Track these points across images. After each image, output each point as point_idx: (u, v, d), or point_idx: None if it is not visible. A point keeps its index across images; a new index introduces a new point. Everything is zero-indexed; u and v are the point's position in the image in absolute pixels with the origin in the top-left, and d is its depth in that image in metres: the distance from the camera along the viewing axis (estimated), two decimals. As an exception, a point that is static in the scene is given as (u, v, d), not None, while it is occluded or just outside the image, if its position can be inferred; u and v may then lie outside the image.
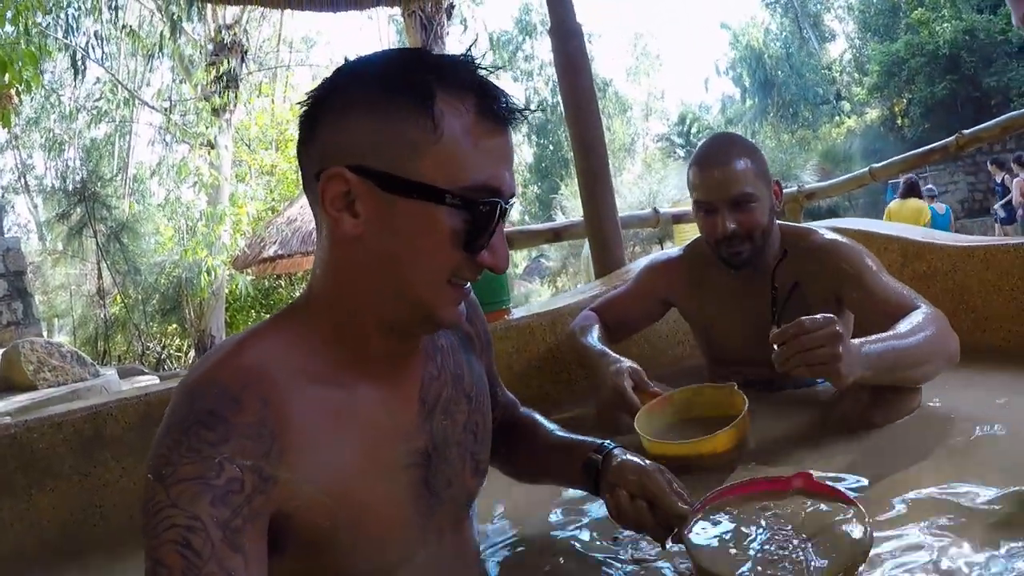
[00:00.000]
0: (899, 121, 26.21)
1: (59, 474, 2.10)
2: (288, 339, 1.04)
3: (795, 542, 1.09)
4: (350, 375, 1.06)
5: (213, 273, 11.20)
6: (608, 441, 1.35)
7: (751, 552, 1.09)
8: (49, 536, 2.06)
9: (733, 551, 1.11)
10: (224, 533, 0.87)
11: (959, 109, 22.28)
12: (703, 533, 1.17)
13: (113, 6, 12.85)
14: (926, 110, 23.79)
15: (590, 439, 1.38)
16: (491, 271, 1.05)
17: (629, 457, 1.29)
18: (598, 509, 1.54)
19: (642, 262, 2.71)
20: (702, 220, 2.07)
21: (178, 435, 0.91)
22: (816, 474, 1.24)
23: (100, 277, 13.46)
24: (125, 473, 2.19)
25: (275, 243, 11.86)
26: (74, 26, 12.80)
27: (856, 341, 1.54)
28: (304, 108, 1.05)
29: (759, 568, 1.05)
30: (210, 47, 12.24)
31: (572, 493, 1.66)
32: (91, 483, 2.14)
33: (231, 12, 12.07)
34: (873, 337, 1.59)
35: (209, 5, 11.24)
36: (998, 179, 14.14)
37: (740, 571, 1.06)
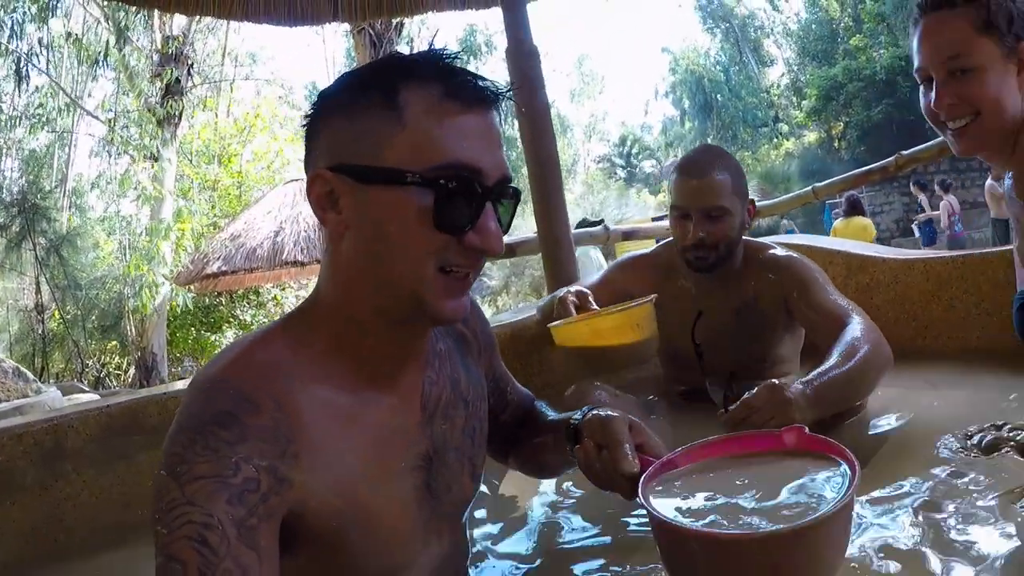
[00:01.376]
0: (836, 144, 26.91)
1: (21, 486, 2.08)
2: (297, 342, 1.06)
3: (755, 503, 1.05)
4: (356, 379, 1.07)
5: (155, 289, 11.02)
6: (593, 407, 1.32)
7: (706, 507, 1.06)
8: (12, 549, 2.04)
9: (690, 505, 1.08)
10: (239, 531, 0.88)
11: (895, 132, 22.95)
12: (663, 488, 1.13)
13: (57, 13, 12.64)
14: (863, 133, 24.48)
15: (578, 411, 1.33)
16: (483, 254, 1.04)
17: (602, 411, 1.26)
18: (583, 509, 1.60)
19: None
20: (675, 223, 2.19)
21: (193, 433, 0.92)
22: None
23: (38, 292, 13.13)
24: (86, 486, 2.18)
25: (219, 259, 11.66)
26: (18, 32, 12.52)
27: (801, 387, 1.61)
28: (303, 128, 1.10)
29: (710, 521, 1.03)
30: (155, 58, 12.09)
31: (557, 496, 1.72)
32: (52, 496, 2.12)
33: (178, 23, 11.94)
34: (815, 374, 1.69)
35: (156, 14, 11.12)
36: (920, 200, 14.73)
37: (685, 520, 1.03)
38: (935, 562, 1.16)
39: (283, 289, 14.83)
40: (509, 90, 1.07)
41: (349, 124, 1.02)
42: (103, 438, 2.25)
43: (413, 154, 0.98)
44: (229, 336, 14.22)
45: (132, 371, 13.00)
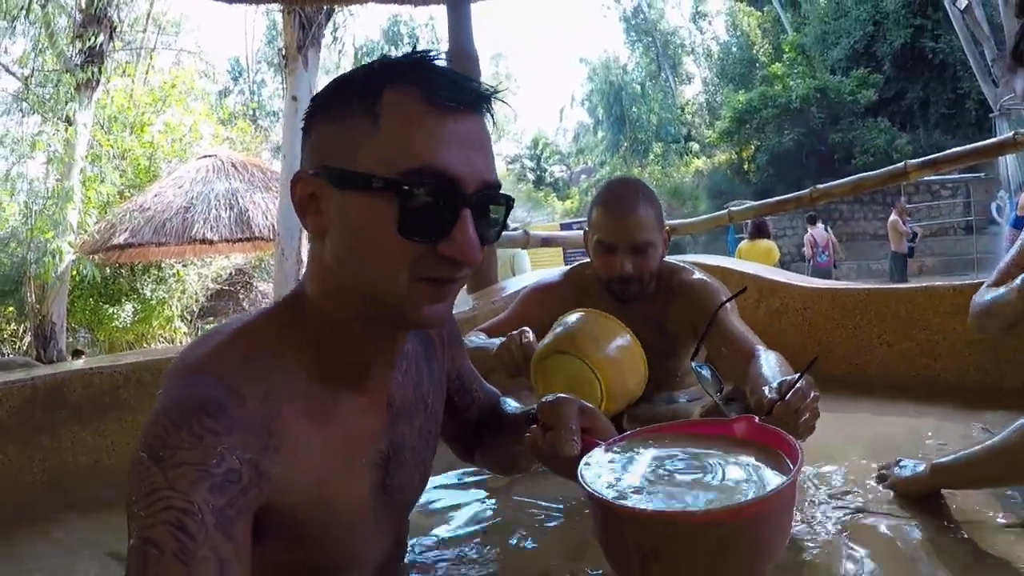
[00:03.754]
0: (746, 166, 27.51)
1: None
2: (280, 336, 1.06)
3: (692, 482, 1.04)
4: (333, 376, 1.08)
5: (59, 256, 10.63)
6: None
7: (639, 483, 1.05)
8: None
9: (623, 481, 1.07)
10: (218, 520, 0.87)
11: (804, 160, 23.68)
12: (602, 464, 1.13)
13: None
14: (772, 158, 25.13)
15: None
16: (459, 264, 1.00)
17: (553, 396, 1.23)
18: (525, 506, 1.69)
19: (519, 284, 2.83)
20: (600, 258, 2.23)
21: (178, 418, 0.91)
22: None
23: (-68, 249, 12.54)
24: (8, 459, 2.17)
25: (126, 230, 11.34)
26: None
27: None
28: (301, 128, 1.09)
29: (640, 495, 1.02)
30: (78, 18, 11.65)
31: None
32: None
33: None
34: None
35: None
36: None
37: (615, 496, 1.02)
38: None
39: (185, 266, 14.49)
40: (495, 92, 1.04)
41: (333, 127, 1.01)
42: (26, 409, 2.24)
43: (385, 159, 0.96)
44: (128, 310, 13.81)
45: (28, 338, 12.51)
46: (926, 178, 18.43)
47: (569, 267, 2.55)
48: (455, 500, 1.91)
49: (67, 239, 10.79)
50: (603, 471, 1.10)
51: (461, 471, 2.07)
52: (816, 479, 1.73)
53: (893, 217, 14.66)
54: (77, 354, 11.26)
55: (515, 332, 2.03)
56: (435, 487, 1.96)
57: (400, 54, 1.06)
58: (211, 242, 11.41)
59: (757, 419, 1.17)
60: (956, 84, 23.17)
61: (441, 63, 1.03)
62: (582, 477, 1.06)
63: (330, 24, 10.15)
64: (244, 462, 0.92)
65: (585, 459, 1.13)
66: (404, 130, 0.97)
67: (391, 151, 0.96)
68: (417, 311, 1.02)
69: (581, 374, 1.89)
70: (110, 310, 13.71)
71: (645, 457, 1.14)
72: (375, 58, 1.09)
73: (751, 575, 0.99)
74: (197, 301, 15.12)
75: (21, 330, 13.64)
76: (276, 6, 11.03)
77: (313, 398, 1.05)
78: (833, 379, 2.58)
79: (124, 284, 14.27)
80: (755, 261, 9.37)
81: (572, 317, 2.02)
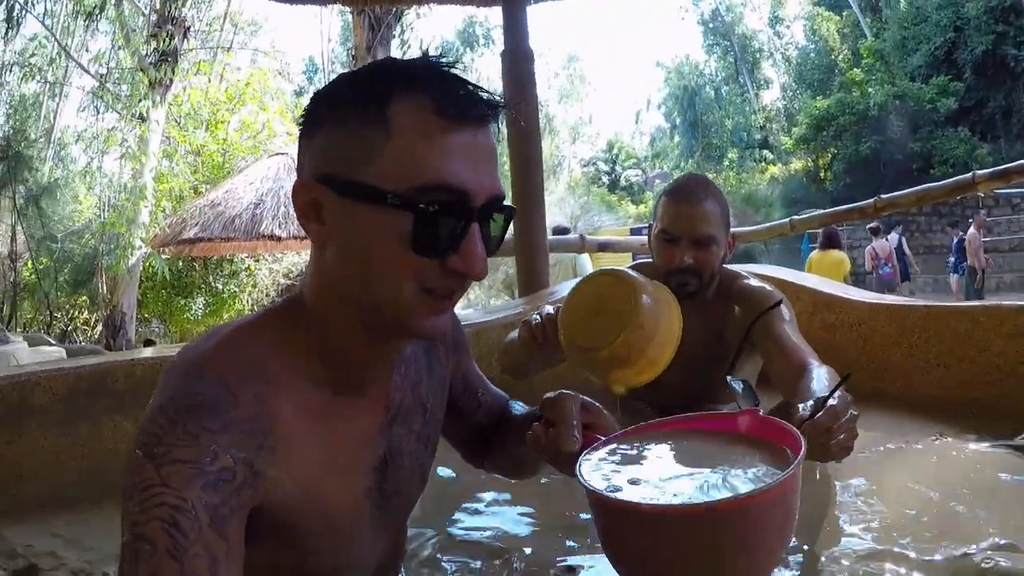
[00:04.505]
0: (822, 174, 27.09)
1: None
2: (279, 338, 1.05)
3: (691, 478, 1.04)
4: (332, 379, 1.07)
5: (131, 250, 10.92)
6: None
7: (637, 478, 1.06)
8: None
9: (621, 475, 1.07)
10: (211, 518, 0.87)
11: (881, 169, 23.19)
12: (602, 459, 1.13)
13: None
14: (849, 166, 24.69)
15: None
16: (466, 277, 1.00)
17: (555, 392, 1.23)
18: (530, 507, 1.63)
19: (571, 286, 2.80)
20: (661, 248, 2.20)
21: (173, 416, 0.91)
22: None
23: (14, 240, 12.96)
24: (50, 444, 2.21)
25: (196, 225, 11.57)
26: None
27: None
28: (298, 126, 1.07)
29: (636, 488, 1.02)
30: (153, 17, 11.95)
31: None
32: (14, 451, 2.14)
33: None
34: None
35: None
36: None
37: (610, 490, 1.03)
38: None
39: (257, 260, 14.75)
40: (505, 105, 1.02)
41: (338, 132, 0.99)
42: (69, 398, 2.27)
43: (396, 172, 0.94)
44: (200, 303, 14.11)
45: (100, 328, 12.89)
46: (1006, 191, 17.94)
47: (632, 264, 2.50)
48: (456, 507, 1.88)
49: (138, 233, 11.05)
50: (602, 466, 1.11)
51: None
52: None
53: (971, 231, 14.23)
54: (148, 343, 11.53)
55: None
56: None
57: (410, 57, 1.04)
58: (279, 238, 11.54)
59: (761, 411, 1.15)
60: (1039, 92, 22.45)
61: (453, 70, 1.00)
62: (580, 472, 1.07)
63: (399, 25, 10.23)
64: (238, 461, 0.92)
65: (585, 454, 1.13)
66: (416, 141, 0.95)
67: (403, 165, 0.95)
68: (419, 323, 1.02)
69: (612, 289, 1.87)
70: (182, 302, 14.03)
71: (646, 452, 1.14)
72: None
73: (747, 572, 0.98)
74: (268, 295, 15.37)
75: (93, 319, 14.05)
76: (348, 8, 11.19)
77: (310, 400, 1.04)
78: (888, 396, 2.51)
79: (197, 277, 14.59)
80: (825, 272, 9.20)
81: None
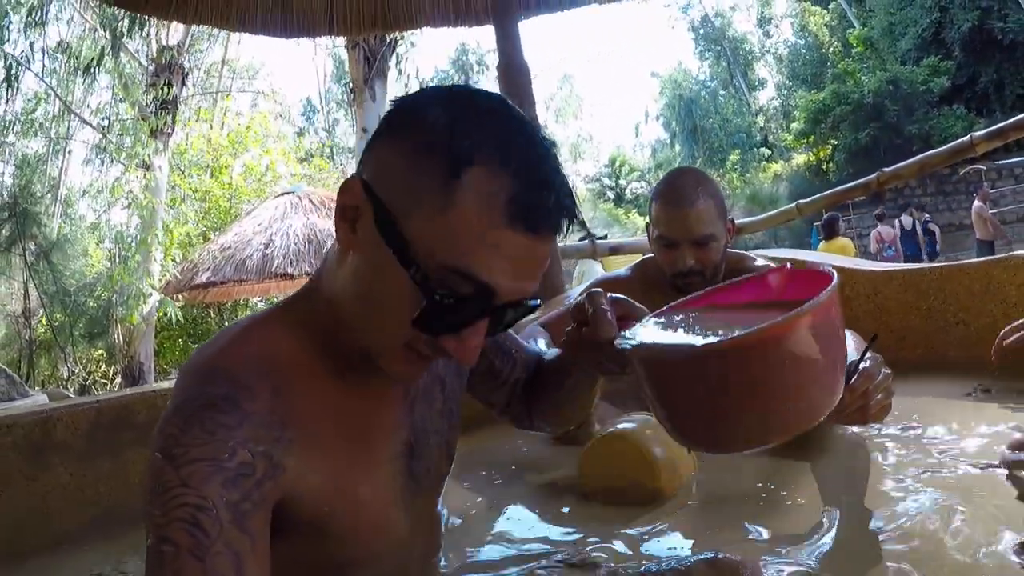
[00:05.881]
0: (824, 166, 27.07)
1: (7, 478, 2.09)
2: (293, 330, 1.06)
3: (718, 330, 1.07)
4: (347, 367, 1.07)
5: (143, 299, 10.98)
6: None
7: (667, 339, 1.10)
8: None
9: (655, 340, 1.11)
10: (233, 515, 0.87)
11: (882, 155, 23.12)
12: (637, 333, 1.15)
13: (48, 17, 12.54)
14: (850, 156, 24.68)
15: None
16: (452, 359, 1.00)
17: (583, 294, 1.21)
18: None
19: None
20: (662, 252, 2.18)
21: (189, 416, 0.91)
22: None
23: (27, 297, 13.06)
24: (72, 478, 2.21)
25: (208, 270, 11.64)
26: (7, 36, 12.40)
27: None
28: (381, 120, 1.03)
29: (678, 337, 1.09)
30: (151, 67, 12.07)
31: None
32: (39, 487, 2.14)
33: (174, 34, 11.96)
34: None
35: (153, 22, 11.13)
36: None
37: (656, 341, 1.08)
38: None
39: (271, 302, 14.80)
40: (575, 218, 0.98)
41: (403, 158, 0.94)
42: (91, 432, 2.28)
43: (436, 241, 0.90)
44: (218, 348, 14.15)
45: (118, 380, 12.94)
46: (1008, 161, 17.86)
47: (638, 261, 2.51)
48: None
49: (150, 281, 11.11)
50: (640, 335, 1.13)
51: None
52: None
53: (977, 204, 14.21)
54: (169, 393, 11.54)
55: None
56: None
57: (508, 114, 0.97)
58: (291, 276, 11.59)
59: (789, 265, 1.18)
60: (1030, 62, 22.43)
61: (550, 155, 0.96)
62: (618, 343, 1.10)
63: (394, 56, 10.31)
64: (257, 455, 0.92)
65: (623, 333, 1.14)
66: (471, 226, 0.90)
67: (446, 239, 0.90)
68: (393, 369, 1.02)
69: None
70: (198, 349, 14.07)
71: (680, 323, 1.17)
72: (469, 88, 1.00)
73: (766, 419, 0.98)
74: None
75: (112, 372, 14.12)
76: (341, 42, 11.28)
77: (327, 390, 1.05)
78: (909, 362, 2.46)
79: (212, 323, 14.68)
80: (832, 258, 9.22)
81: None
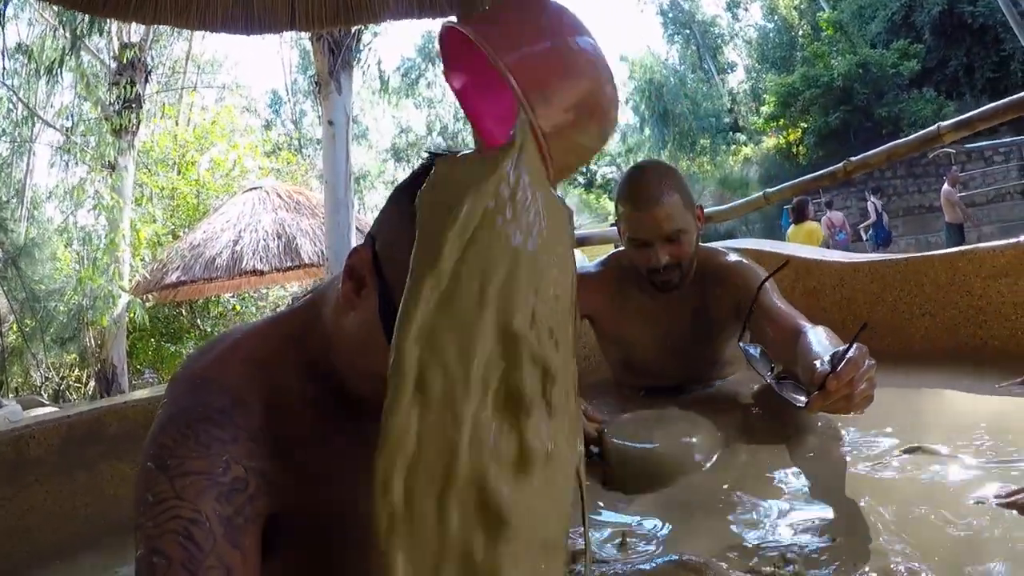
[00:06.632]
0: (795, 149, 27.21)
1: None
2: (288, 344, 1.05)
3: None
4: (341, 379, 1.06)
5: (113, 301, 10.85)
6: None
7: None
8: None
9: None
10: (226, 529, 0.87)
11: (852, 138, 23.33)
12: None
13: (3, 21, 12.35)
14: (820, 139, 24.83)
15: None
16: None
17: None
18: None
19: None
20: (635, 253, 2.17)
21: (184, 428, 0.91)
22: None
23: (-5, 305, 12.91)
24: (49, 496, 2.20)
25: (177, 269, 11.53)
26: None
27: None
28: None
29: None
30: (113, 65, 11.92)
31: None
32: (16, 507, 2.14)
33: (136, 30, 11.79)
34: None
35: (114, 23, 10.97)
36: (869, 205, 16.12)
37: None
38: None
39: (244, 298, 14.71)
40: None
41: (408, 234, 0.90)
42: (63, 448, 2.26)
43: None
44: (190, 347, 14.04)
45: (92, 384, 12.80)
46: (977, 144, 18.05)
47: (607, 255, 2.51)
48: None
49: (119, 283, 10.99)
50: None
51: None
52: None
53: (946, 187, 14.34)
54: (142, 394, 11.44)
55: None
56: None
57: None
58: (261, 273, 11.51)
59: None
60: (999, 47, 22.65)
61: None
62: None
63: (361, 46, 10.22)
64: (250, 470, 0.92)
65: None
66: None
67: None
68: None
69: None
70: (172, 349, 13.96)
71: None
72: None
73: None
74: (261, 332, 15.27)
75: (85, 376, 13.97)
76: (305, 35, 11.17)
77: (322, 404, 1.04)
78: (876, 354, 2.49)
79: (184, 322, 14.53)
80: (801, 243, 9.29)
81: None
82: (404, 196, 0.96)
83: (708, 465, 1.68)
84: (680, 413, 1.89)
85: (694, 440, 1.74)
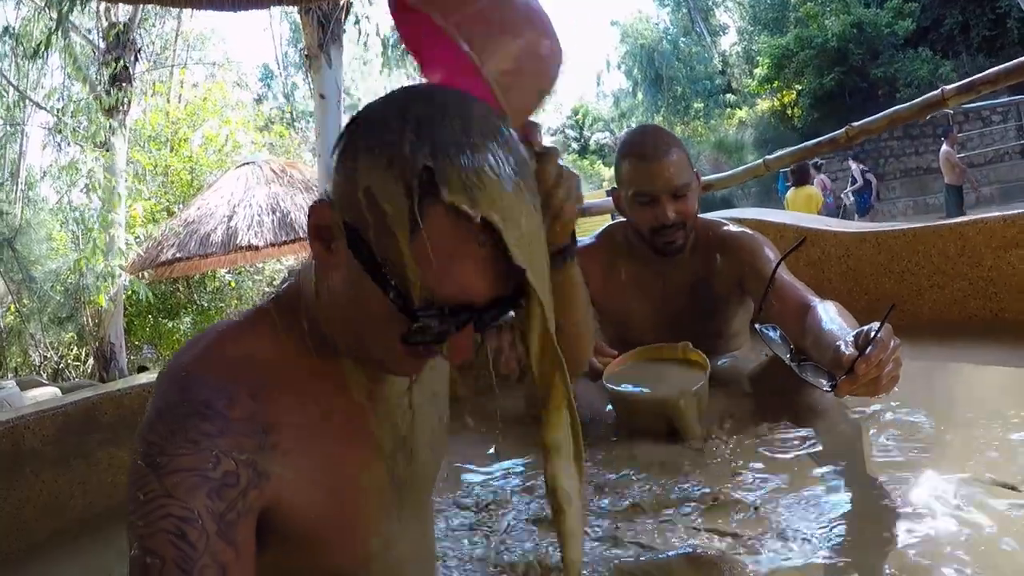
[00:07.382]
0: (789, 111, 27.08)
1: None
2: (274, 333, 1.03)
3: None
4: (333, 366, 1.06)
5: (110, 280, 10.82)
6: None
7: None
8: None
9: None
10: (219, 526, 0.86)
11: (847, 99, 23.21)
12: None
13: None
14: (815, 101, 24.69)
15: None
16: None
17: None
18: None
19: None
20: (640, 210, 2.15)
21: (172, 424, 0.90)
22: None
23: (-8, 287, 12.88)
24: (46, 486, 2.17)
25: (173, 246, 11.53)
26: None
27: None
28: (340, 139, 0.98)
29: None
30: (102, 45, 11.78)
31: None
32: (14, 499, 2.11)
33: (125, 10, 11.65)
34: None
35: (101, 4, 10.84)
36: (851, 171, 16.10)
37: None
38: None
39: (239, 274, 14.70)
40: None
41: (367, 176, 0.89)
42: (60, 438, 2.23)
43: (411, 268, 0.87)
44: (187, 322, 14.06)
45: (91, 362, 12.80)
46: (975, 105, 17.97)
47: (601, 230, 2.47)
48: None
49: (115, 261, 10.95)
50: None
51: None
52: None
53: (945, 148, 14.25)
54: (142, 369, 11.44)
55: None
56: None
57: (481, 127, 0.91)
58: (256, 248, 11.50)
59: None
60: (995, 4, 22.42)
61: (502, 152, 0.90)
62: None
63: (351, 18, 10.09)
64: (240, 463, 0.91)
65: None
66: (441, 252, 0.86)
67: (420, 265, 0.87)
68: (399, 368, 1.03)
69: None
70: (169, 325, 13.99)
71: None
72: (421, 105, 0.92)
73: None
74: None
75: (84, 354, 13.97)
76: (294, 9, 11.02)
77: (310, 393, 1.03)
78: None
79: (181, 298, 14.56)
80: (800, 207, 9.27)
81: None
82: (341, 157, 0.95)
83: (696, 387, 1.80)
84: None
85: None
